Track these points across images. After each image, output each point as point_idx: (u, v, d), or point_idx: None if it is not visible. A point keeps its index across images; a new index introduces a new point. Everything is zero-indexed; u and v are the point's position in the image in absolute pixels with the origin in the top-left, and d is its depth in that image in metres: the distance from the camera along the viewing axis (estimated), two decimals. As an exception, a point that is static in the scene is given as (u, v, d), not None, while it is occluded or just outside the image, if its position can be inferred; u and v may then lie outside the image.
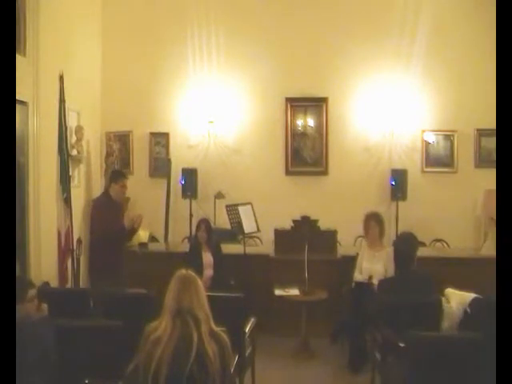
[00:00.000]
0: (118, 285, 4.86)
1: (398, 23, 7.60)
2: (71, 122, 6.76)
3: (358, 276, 5.34)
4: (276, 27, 7.74)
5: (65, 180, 6.12)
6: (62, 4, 6.60)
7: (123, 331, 3.26)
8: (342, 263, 5.86)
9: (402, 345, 3.55)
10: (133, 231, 5.71)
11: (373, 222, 5.47)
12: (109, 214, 5.44)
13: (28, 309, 3.13)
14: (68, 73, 6.38)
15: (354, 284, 5.31)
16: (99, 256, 5.55)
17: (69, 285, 6.20)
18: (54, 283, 5.84)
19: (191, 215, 7.55)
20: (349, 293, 5.30)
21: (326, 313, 5.60)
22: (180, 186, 7.73)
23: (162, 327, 2.60)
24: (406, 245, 4.34)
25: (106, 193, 5.63)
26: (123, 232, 5.54)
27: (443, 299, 3.98)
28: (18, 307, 2.98)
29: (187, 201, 7.65)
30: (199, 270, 5.22)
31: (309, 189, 7.76)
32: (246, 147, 7.91)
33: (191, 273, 2.76)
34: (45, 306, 3.32)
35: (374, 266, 5.28)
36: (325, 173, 7.84)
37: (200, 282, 2.75)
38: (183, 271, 2.76)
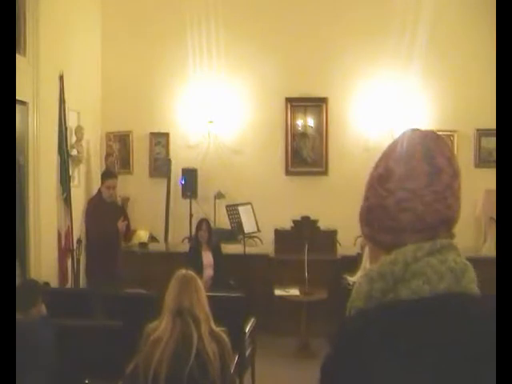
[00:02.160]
0: (111, 286, 4.80)
1: (398, 23, 7.59)
2: (71, 122, 6.76)
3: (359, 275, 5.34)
4: (276, 27, 7.73)
5: (65, 180, 6.12)
6: (61, 4, 6.60)
7: (123, 331, 3.26)
8: (341, 263, 5.86)
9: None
10: (126, 234, 5.64)
11: None
12: (100, 215, 5.31)
13: (33, 314, 3.14)
14: (68, 73, 6.38)
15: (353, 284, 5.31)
16: (93, 257, 5.51)
17: (69, 285, 6.20)
18: (54, 283, 5.84)
19: (191, 215, 7.54)
20: (348, 293, 5.29)
21: (326, 313, 5.60)
22: (180, 185, 7.73)
23: (161, 327, 2.60)
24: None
25: (98, 193, 5.59)
26: (115, 234, 5.36)
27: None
28: (26, 313, 2.99)
29: (187, 201, 7.64)
30: (199, 270, 5.21)
31: (309, 189, 7.76)
32: (246, 147, 7.90)
33: (191, 273, 2.76)
34: (43, 307, 3.32)
35: None
36: (325, 173, 7.84)
37: (200, 282, 2.75)
38: (183, 271, 2.76)
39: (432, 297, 0.93)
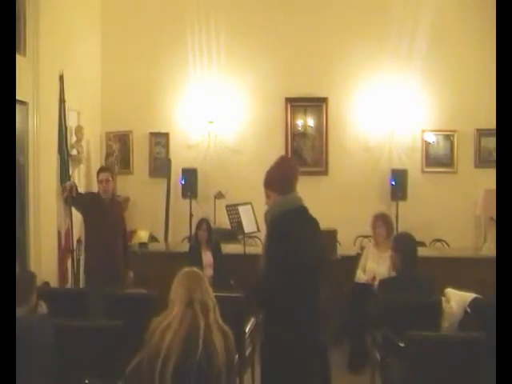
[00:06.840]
0: (110, 286, 4.75)
1: (398, 23, 7.59)
2: (71, 122, 6.76)
3: (361, 276, 5.32)
4: (276, 27, 7.73)
5: (65, 180, 6.11)
6: (61, 4, 6.60)
7: (123, 331, 3.26)
8: (342, 263, 5.85)
9: (402, 345, 3.54)
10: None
11: (380, 222, 5.43)
12: (92, 212, 5.32)
13: (29, 312, 3.14)
14: (68, 73, 6.38)
15: (354, 284, 5.29)
16: (90, 255, 5.47)
17: (69, 285, 6.20)
18: (54, 283, 5.84)
19: (191, 215, 7.55)
20: (349, 293, 5.29)
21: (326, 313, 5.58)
22: (180, 185, 7.73)
23: (171, 316, 2.62)
24: (403, 245, 4.33)
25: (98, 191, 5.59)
26: (112, 231, 5.26)
27: (443, 299, 3.97)
28: (20, 310, 2.99)
29: (187, 201, 7.64)
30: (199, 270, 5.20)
31: (309, 189, 7.69)
32: (246, 147, 7.91)
33: (196, 269, 2.83)
34: (42, 304, 3.32)
35: (379, 266, 5.23)
36: (325, 173, 7.84)
37: (205, 277, 2.83)
38: (188, 268, 2.82)
39: (293, 208, 3.14)
